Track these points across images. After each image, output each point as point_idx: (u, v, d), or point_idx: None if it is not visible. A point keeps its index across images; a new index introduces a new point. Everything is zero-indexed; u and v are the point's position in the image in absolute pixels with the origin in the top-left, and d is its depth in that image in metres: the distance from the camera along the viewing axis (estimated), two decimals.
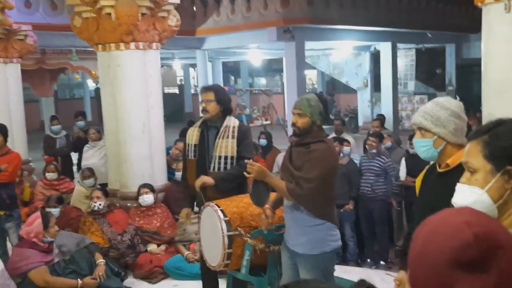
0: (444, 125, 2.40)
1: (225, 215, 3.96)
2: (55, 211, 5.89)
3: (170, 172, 6.95)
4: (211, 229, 4.04)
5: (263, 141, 8.38)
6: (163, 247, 5.92)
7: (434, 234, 1.11)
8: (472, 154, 1.59)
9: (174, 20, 6.61)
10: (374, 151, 6.50)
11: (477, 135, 1.61)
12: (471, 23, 15.84)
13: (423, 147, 2.49)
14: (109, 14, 6.08)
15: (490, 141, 1.56)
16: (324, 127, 3.67)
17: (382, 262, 6.49)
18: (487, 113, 4.26)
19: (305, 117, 3.49)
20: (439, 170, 2.45)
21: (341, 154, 6.48)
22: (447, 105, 2.44)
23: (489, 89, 4.25)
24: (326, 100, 3.66)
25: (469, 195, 1.60)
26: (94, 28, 6.26)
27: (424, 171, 2.64)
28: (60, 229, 5.38)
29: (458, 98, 2.86)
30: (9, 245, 5.85)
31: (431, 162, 2.67)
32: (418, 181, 2.63)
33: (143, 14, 6.22)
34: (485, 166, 1.56)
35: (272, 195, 3.86)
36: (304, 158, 3.47)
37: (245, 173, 3.63)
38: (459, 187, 1.67)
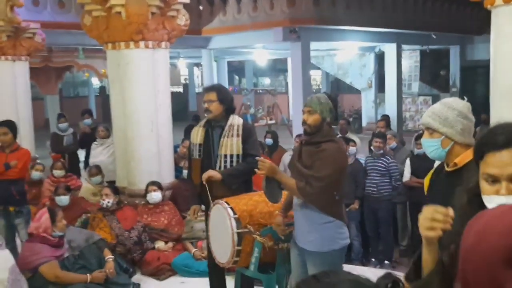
0: (451, 125, 2.45)
1: (234, 213, 4.00)
2: (64, 199, 5.96)
3: (178, 170, 7.00)
4: (221, 227, 4.08)
5: (269, 140, 8.42)
6: (170, 244, 5.96)
7: (488, 230, 1.09)
8: None
9: (183, 19, 6.67)
10: (381, 151, 6.54)
11: (509, 143, 1.54)
12: (476, 24, 15.89)
13: (431, 146, 2.53)
14: (119, 13, 6.12)
15: None
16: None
17: (386, 262, 6.52)
18: (495, 115, 4.29)
19: (316, 114, 3.53)
20: (447, 169, 2.49)
21: (347, 154, 6.51)
22: (454, 105, 2.49)
23: (498, 91, 4.28)
24: (335, 99, 3.70)
25: None
26: (104, 26, 6.31)
27: (432, 170, 2.68)
28: (74, 219, 5.49)
29: (466, 99, 2.89)
30: (18, 241, 5.91)
31: (436, 162, 2.71)
32: (427, 181, 2.67)
33: (153, 13, 6.27)
34: None
35: (284, 195, 3.91)
36: (314, 157, 3.51)
37: (256, 170, 3.67)
38: (507, 199, 1.54)
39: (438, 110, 2.50)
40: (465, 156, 2.39)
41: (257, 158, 3.74)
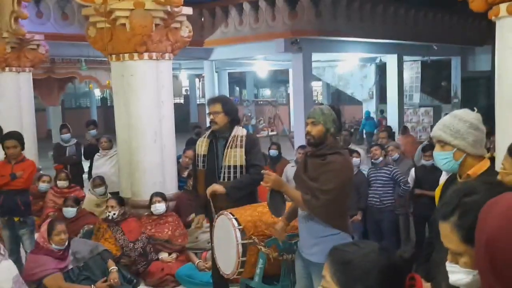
0: (463, 137, 2.45)
1: (239, 224, 4.01)
2: (72, 211, 5.96)
3: (182, 181, 7.01)
4: (225, 238, 4.09)
5: (273, 152, 8.44)
6: (174, 255, 5.95)
7: None
8: (450, 240, 1.41)
9: (186, 31, 6.70)
10: (381, 159, 6.53)
11: (445, 217, 1.42)
12: (477, 36, 15.97)
13: (443, 159, 2.52)
14: (124, 24, 6.15)
15: (460, 224, 1.37)
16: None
17: None
18: (500, 126, 4.30)
19: (319, 125, 3.52)
20: (460, 180, 2.49)
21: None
22: (465, 117, 2.49)
23: (502, 102, 4.28)
24: (339, 110, 3.69)
25: (465, 276, 1.42)
26: (108, 38, 6.34)
27: (444, 181, 2.69)
28: (78, 231, 5.48)
29: (476, 110, 2.87)
30: (22, 251, 5.91)
31: (443, 174, 2.72)
32: (438, 191, 2.68)
33: (156, 25, 6.30)
34: (467, 250, 1.37)
35: (287, 205, 3.92)
36: (320, 170, 3.49)
37: (262, 183, 3.67)
38: (451, 268, 1.46)
39: (449, 123, 2.50)
40: (479, 168, 2.42)
41: (263, 171, 3.74)
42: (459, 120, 2.49)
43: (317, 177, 3.49)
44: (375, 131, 16.04)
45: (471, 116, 2.50)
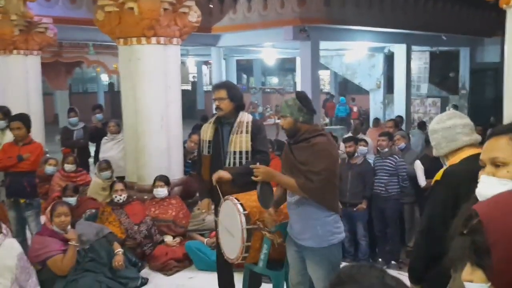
0: (433, 145, 2.82)
1: (244, 209, 4.01)
2: (71, 200, 5.97)
3: (187, 166, 7.02)
4: (230, 222, 4.10)
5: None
6: (178, 239, 6.00)
7: None
8: (501, 149, 1.66)
9: (194, 16, 6.68)
10: (386, 149, 6.53)
11: (504, 132, 1.68)
12: (486, 27, 15.82)
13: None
14: (132, 8, 6.15)
15: None
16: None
17: (393, 262, 6.51)
18: (508, 117, 4.27)
19: (287, 117, 3.64)
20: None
21: (356, 154, 6.53)
22: (430, 127, 2.85)
23: (511, 93, 4.25)
24: (305, 97, 3.72)
25: (499, 187, 1.60)
26: (116, 22, 6.34)
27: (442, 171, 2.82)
28: (80, 217, 5.51)
29: (449, 108, 2.89)
30: (28, 233, 5.95)
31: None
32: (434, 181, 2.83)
33: (165, 9, 6.29)
34: None
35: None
36: (307, 152, 3.57)
37: (252, 177, 3.69)
38: (485, 179, 1.68)
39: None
40: (454, 160, 2.71)
41: (251, 166, 3.77)
42: (429, 133, 2.87)
43: (305, 160, 3.56)
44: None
45: (433, 123, 2.83)
